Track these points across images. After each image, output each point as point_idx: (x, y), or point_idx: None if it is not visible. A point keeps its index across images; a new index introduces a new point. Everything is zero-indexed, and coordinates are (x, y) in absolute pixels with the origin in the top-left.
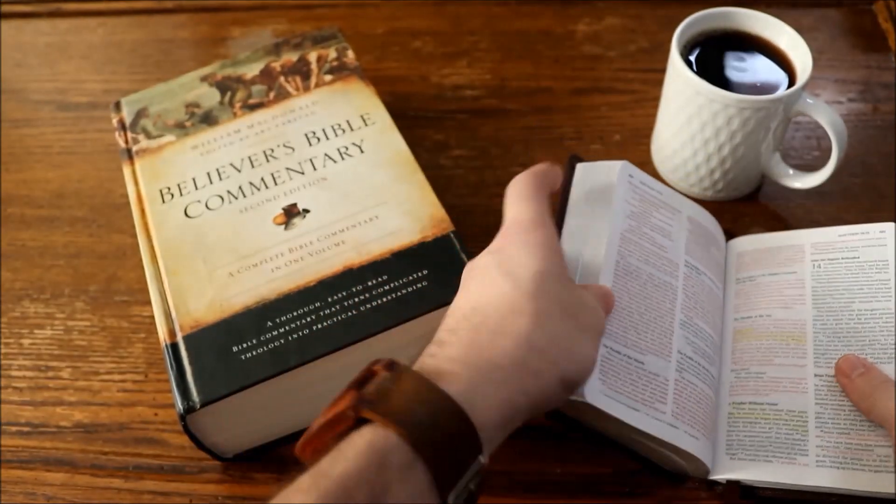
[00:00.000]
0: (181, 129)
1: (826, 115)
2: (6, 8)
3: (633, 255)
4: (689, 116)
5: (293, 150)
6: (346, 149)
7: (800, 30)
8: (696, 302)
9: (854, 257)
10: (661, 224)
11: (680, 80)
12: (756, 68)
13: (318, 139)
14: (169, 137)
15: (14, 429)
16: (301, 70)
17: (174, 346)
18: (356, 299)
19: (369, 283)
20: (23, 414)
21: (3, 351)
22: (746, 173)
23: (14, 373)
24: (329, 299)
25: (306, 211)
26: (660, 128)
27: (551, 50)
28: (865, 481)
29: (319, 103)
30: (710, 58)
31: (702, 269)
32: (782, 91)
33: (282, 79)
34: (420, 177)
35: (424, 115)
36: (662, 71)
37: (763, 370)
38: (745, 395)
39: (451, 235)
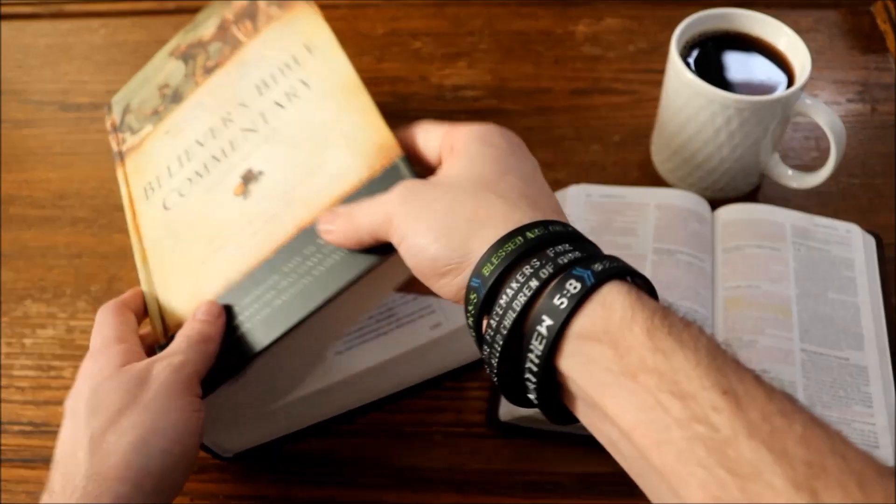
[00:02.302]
0: (156, 115)
1: (825, 116)
2: (8, 9)
3: None
4: (688, 117)
5: (247, 106)
6: (294, 90)
7: (798, 31)
8: (668, 283)
9: (827, 250)
10: (625, 225)
11: (679, 80)
12: (755, 69)
13: (268, 86)
14: (147, 128)
15: (16, 428)
16: (251, 13)
17: (163, 348)
18: (310, 263)
19: (320, 241)
20: (25, 413)
21: (5, 351)
22: (746, 173)
23: (16, 372)
24: (284, 269)
25: (261, 173)
26: (659, 128)
27: (551, 50)
28: None
29: (268, 43)
30: (710, 58)
31: (675, 248)
32: (781, 92)
33: (234, 28)
34: (363, 99)
35: (424, 116)
36: (662, 71)
37: (755, 338)
38: None
39: (400, 163)
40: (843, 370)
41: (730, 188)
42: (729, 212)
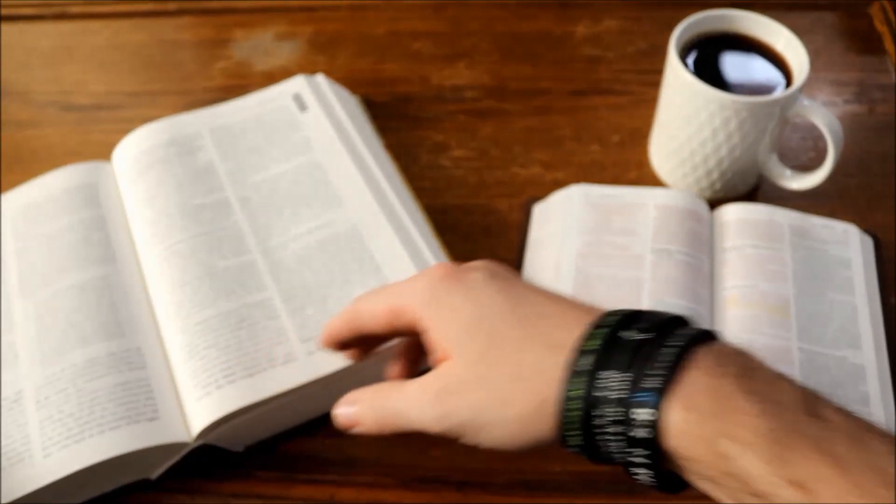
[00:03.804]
0: None
1: (822, 117)
2: (10, 10)
3: (593, 266)
4: (686, 118)
5: None
6: None
7: (796, 32)
8: (667, 283)
9: (825, 250)
10: (624, 225)
11: (678, 81)
12: (753, 70)
13: None
14: None
15: None
16: None
17: None
18: None
19: None
20: None
21: None
22: (744, 174)
23: None
24: None
25: None
26: (658, 129)
27: (550, 52)
28: None
29: None
30: (708, 59)
31: (674, 248)
32: (779, 92)
33: None
34: None
35: (425, 116)
36: (660, 72)
37: (753, 338)
38: None
39: None
40: (840, 369)
41: (728, 188)
42: (727, 212)
